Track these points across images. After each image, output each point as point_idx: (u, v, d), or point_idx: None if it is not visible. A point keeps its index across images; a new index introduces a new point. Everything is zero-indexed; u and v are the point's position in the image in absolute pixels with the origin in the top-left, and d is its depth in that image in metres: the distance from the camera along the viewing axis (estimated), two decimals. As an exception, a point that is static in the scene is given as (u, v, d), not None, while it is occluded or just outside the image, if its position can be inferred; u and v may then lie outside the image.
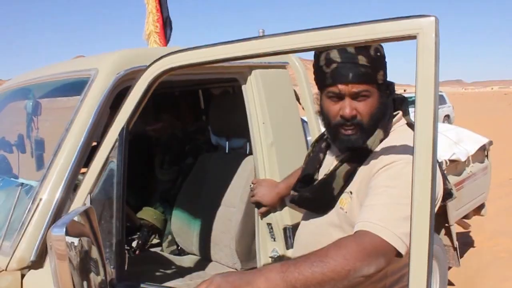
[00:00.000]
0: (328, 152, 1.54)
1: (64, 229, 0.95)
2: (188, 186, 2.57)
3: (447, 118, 18.53)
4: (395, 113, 1.44)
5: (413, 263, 0.88)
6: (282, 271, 1.04)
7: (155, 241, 2.75)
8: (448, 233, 3.54)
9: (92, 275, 1.07)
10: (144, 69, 1.20)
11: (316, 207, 1.45)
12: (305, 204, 1.50)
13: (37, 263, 1.36)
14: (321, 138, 1.60)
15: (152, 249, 2.66)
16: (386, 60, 1.37)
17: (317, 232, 1.43)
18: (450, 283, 4.10)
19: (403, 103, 1.47)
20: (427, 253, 0.87)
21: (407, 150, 1.24)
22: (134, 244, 2.60)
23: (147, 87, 1.19)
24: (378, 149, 1.35)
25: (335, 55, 1.31)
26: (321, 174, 1.49)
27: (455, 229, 3.62)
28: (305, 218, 1.53)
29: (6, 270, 1.35)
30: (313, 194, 1.43)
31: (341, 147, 1.43)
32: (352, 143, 1.34)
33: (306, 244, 1.45)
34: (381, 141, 1.36)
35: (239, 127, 2.22)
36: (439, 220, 3.47)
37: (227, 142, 2.55)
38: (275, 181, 1.94)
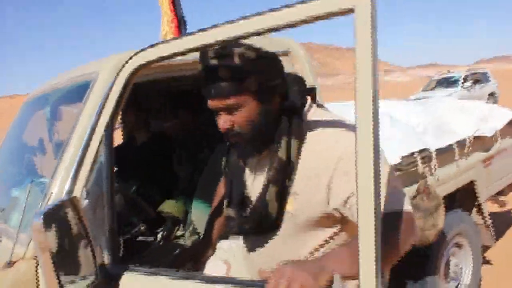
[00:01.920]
0: (248, 160, 1.48)
1: (42, 217, 1.04)
2: (205, 176, 2.66)
3: (492, 96, 17.78)
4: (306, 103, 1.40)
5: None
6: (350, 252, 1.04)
7: (181, 232, 2.86)
8: (479, 211, 3.46)
9: (78, 258, 1.16)
10: (120, 67, 1.28)
11: (262, 232, 1.41)
12: (248, 233, 1.47)
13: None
14: (228, 152, 1.57)
15: (176, 240, 2.77)
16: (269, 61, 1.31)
17: (278, 245, 1.39)
18: (489, 263, 4.01)
19: (312, 90, 1.45)
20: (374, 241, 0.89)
21: (347, 135, 1.26)
22: (159, 236, 2.72)
23: (124, 84, 1.27)
24: (307, 149, 1.32)
25: (202, 71, 1.28)
26: (250, 191, 1.44)
27: (487, 206, 3.53)
28: (254, 239, 1.47)
29: (23, 258, 1.49)
30: (252, 227, 1.39)
31: (244, 156, 1.44)
32: (240, 149, 1.38)
33: (269, 261, 1.39)
34: (299, 147, 1.32)
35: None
36: (468, 198, 3.41)
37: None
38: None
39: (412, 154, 2.67)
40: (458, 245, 3.27)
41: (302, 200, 1.30)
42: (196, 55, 1.26)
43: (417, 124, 3.00)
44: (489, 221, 3.51)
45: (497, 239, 4.35)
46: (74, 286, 1.15)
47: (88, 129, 1.41)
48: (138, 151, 3.12)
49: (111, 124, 1.31)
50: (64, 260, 1.12)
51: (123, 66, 1.27)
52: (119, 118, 3.11)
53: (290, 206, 1.33)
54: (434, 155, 2.82)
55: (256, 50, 1.27)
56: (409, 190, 2.65)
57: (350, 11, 0.91)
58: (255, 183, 1.41)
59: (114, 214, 1.30)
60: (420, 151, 2.71)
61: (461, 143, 3.12)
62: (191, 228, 2.65)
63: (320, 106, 1.45)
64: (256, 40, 1.82)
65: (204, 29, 1.13)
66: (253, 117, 1.28)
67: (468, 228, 3.28)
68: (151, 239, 2.64)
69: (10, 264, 1.46)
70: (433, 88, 18.40)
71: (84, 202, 1.36)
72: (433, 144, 2.88)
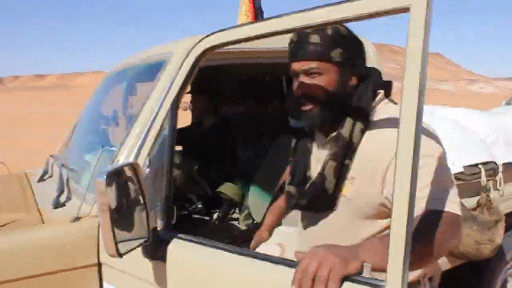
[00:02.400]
0: (315, 143, 1.55)
1: (105, 177, 1.16)
2: (265, 165, 2.74)
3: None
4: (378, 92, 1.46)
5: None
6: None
7: (236, 215, 2.97)
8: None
9: (133, 219, 1.28)
10: (190, 49, 1.38)
11: (317, 209, 1.47)
12: (305, 209, 1.53)
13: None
14: (302, 130, 1.62)
15: (231, 222, 2.88)
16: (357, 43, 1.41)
17: (328, 226, 1.46)
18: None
19: (388, 84, 1.49)
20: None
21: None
22: (215, 216, 2.84)
23: (193, 64, 1.38)
24: (369, 132, 1.38)
25: (293, 35, 1.38)
26: (313, 171, 1.50)
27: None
28: (309, 216, 1.54)
29: (88, 215, 1.65)
30: (309, 199, 1.44)
31: (309, 128, 1.50)
32: (309, 120, 1.41)
33: (319, 240, 1.39)
34: (363, 130, 1.37)
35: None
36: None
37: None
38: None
39: (476, 165, 2.58)
40: (518, 266, 3.12)
41: (358, 185, 1.36)
42: (268, 44, 1.34)
43: (487, 135, 2.88)
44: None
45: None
46: (127, 244, 1.26)
47: (157, 105, 1.54)
48: (204, 133, 3.26)
49: (176, 102, 1.41)
50: (121, 219, 1.23)
51: (192, 48, 1.36)
52: (189, 101, 3.27)
53: (346, 190, 1.38)
54: (500, 168, 2.71)
55: (348, 29, 1.40)
56: (469, 202, 2.58)
57: (406, 9, 0.93)
58: (318, 164, 1.49)
59: (171, 184, 1.40)
60: (485, 163, 2.62)
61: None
62: (246, 212, 2.75)
63: (393, 101, 1.50)
64: None
65: (270, 18, 1.19)
66: (331, 87, 1.37)
67: (531, 249, 3.12)
68: (207, 218, 2.77)
69: (77, 219, 1.62)
70: (515, 104, 17.24)
71: (146, 170, 1.48)
72: (501, 158, 2.77)
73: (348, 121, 1.38)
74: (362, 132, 1.38)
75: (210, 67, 2.06)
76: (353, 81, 1.41)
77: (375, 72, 1.52)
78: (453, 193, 1.26)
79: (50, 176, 2.41)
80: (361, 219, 1.39)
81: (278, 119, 3.03)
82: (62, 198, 1.86)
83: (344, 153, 1.37)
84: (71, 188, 1.95)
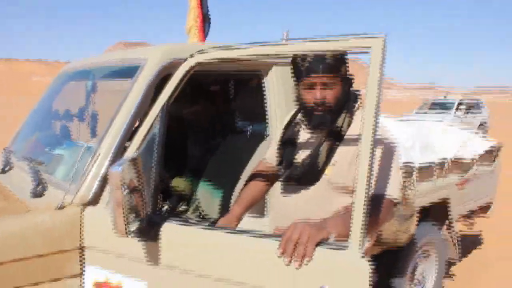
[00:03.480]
0: (301, 135, 1.93)
1: (121, 168, 1.38)
2: (214, 162, 3.00)
3: (482, 126, 18.25)
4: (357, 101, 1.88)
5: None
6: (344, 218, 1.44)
7: (183, 208, 3.19)
8: (449, 228, 3.84)
9: (134, 205, 1.49)
10: (183, 60, 1.62)
11: (305, 182, 1.82)
12: (295, 181, 1.86)
13: (94, 201, 1.82)
14: (289, 124, 1.99)
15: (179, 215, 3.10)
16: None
17: (306, 200, 1.82)
18: (451, 277, 4.40)
19: (357, 97, 1.91)
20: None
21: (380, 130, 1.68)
22: (163, 209, 3.04)
23: (184, 74, 1.62)
24: (352, 128, 1.78)
25: (308, 54, 1.73)
26: (301, 154, 1.87)
27: (456, 224, 3.91)
28: (290, 190, 1.88)
29: (71, 204, 1.82)
30: (302, 172, 1.80)
31: (315, 128, 1.84)
32: (323, 120, 1.77)
33: (295, 213, 1.80)
34: (349, 122, 1.79)
35: (260, 114, 2.62)
36: (440, 214, 3.79)
37: (250, 126, 2.98)
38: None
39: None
40: (426, 254, 3.65)
41: (338, 169, 1.75)
42: None
43: (406, 140, 3.35)
44: (456, 238, 3.88)
45: (462, 257, 4.78)
46: (129, 226, 1.47)
47: (134, 106, 1.75)
48: None
49: (167, 105, 1.64)
50: (127, 205, 1.45)
51: (190, 57, 1.60)
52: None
53: (328, 172, 1.76)
54: (415, 170, 3.18)
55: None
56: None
57: (368, 48, 1.27)
58: (307, 149, 1.85)
59: (158, 175, 1.63)
60: (403, 165, 3.07)
61: (441, 163, 3.50)
62: (194, 206, 2.98)
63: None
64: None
65: (260, 44, 1.48)
66: (338, 95, 1.75)
67: (436, 241, 3.66)
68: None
69: (61, 207, 1.79)
70: (427, 111, 18.83)
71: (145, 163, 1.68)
72: (417, 160, 3.24)
73: (342, 116, 1.78)
74: (348, 125, 1.78)
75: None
76: (347, 89, 1.82)
77: (352, 81, 1.91)
78: (393, 183, 1.64)
79: (11, 169, 2.49)
80: (334, 197, 1.76)
81: (226, 120, 3.32)
82: (38, 189, 2.00)
83: (336, 139, 1.77)
84: (45, 179, 2.08)
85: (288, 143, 1.93)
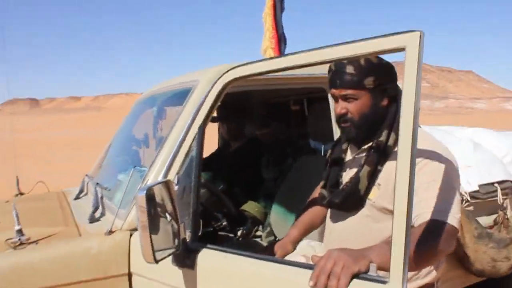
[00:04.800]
0: (348, 152, 1.76)
1: (145, 192, 1.32)
2: (287, 184, 2.87)
3: None
4: None
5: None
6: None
7: (259, 233, 3.09)
8: None
9: (167, 231, 1.43)
10: (215, 77, 1.55)
11: (347, 208, 1.66)
12: (336, 207, 1.70)
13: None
14: (338, 142, 1.84)
15: (254, 239, 3.01)
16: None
17: (351, 227, 1.64)
18: None
19: None
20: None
21: (432, 146, 1.51)
22: (239, 233, 2.97)
23: (218, 93, 1.54)
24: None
25: (332, 65, 1.60)
26: (345, 176, 1.70)
27: None
28: (336, 216, 1.73)
29: (120, 229, 1.81)
30: (342, 199, 1.63)
31: (346, 140, 1.70)
32: (347, 134, 1.63)
33: (341, 239, 1.65)
34: (395, 142, 1.55)
35: (332, 133, 2.46)
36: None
37: (323, 146, 2.82)
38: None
39: (492, 184, 2.65)
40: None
41: (383, 191, 1.56)
42: (291, 72, 1.52)
43: (504, 154, 2.95)
44: None
45: None
46: (161, 252, 1.41)
47: (185, 128, 1.70)
48: (231, 156, 3.42)
49: (204, 125, 1.57)
50: (156, 230, 1.39)
51: (219, 78, 1.53)
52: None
53: (372, 195, 1.58)
54: (517, 187, 2.77)
55: (379, 58, 1.60)
56: (486, 220, 2.64)
57: (402, 49, 1.08)
58: (351, 170, 1.70)
59: (198, 201, 1.55)
60: (501, 182, 2.68)
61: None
62: (268, 230, 2.87)
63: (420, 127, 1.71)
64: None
65: (287, 54, 1.36)
66: (364, 109, 1.60)
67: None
68: (231, 235, 2.90)
69: (110, 232, 1.79)
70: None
71: (175, 187, 1.63)
72: (519, 176, 2.82)
73: (384, 133, 1.59)
74: (394, 143, 1.57)
75: (236, 93, 2.24)
76: (385, 102, 1.63)
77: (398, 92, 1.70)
78: (456, 207, 1.39)
79: (86, 194, 2.59)
80: (382, 221, 1.56)
81: (300, 140, 3.19)
82: (97, 214, 2.03)
83: (378, 160, 1.58)
84: (105, 205, 2.11)
85: (334, 163, 1.77)
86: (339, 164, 1.77)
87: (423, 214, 1.38)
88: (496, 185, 2.66)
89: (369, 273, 1.16)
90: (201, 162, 1.58)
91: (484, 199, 2.61)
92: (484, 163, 2.75)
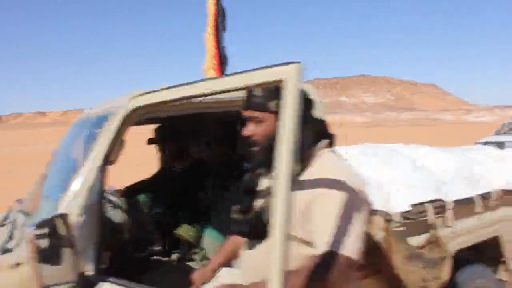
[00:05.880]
0: (264, 179, 1.75)
1: (34, 227, 1.27)
2: (220, 208, 2.84)
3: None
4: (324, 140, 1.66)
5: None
6: None
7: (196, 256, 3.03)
8: (506, 268, 3.35)
9: (63, 265, 1.38)
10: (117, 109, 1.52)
11: (256, 237, 1.65)
12: (246, 235, 1.70)
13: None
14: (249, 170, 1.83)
15: (189, 263, 2.95)
16: None
17: (263, 254, 1.58)
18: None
19: (331, 136, 1.70)
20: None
21: (339, 175, 1.49)
22: (173, 256, 2.92)
23: (121, 123, 1.51)
24: (308, 172, 1.56)
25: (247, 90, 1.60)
26: (257, 204, 1.70)
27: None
28: (250, 243, 1.71)
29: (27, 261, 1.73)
30: (250, 228, 1.64)
31: (255, 167, 1.69)
32: (255, 160, 1.63)
33: (254, 267, 1.63)
34: (303, 168, 1.55)
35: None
36: (493, 253, 3.32)
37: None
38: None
39: (422, 203, 2.68)
40: (478, 301, 3.17)
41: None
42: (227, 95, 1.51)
43: (445, 172, 3.00)
44: (516, 279, 3.37)
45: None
46: (56, 287, 1.36)
47: (89, 162, 1.66)
48: (175, 177, 3.37)
49: (106, 157, 1.54)
50: (51, 265, 1.34)
51: (122, 109, 1.50)
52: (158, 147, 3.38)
53: None
54: (450, 206, 2.81)
55: None
56: (418, 239, 2.67)
57: (279, 81, 1.07)
58: (261, 199, 1.69)
59: (101, 232, 1.51)
60: (432, 201, 2.72)
61: (486, 196, 3.08)
62: (202, 253, 2.83)
63: (335, 153, 1.70)
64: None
65: (186, 83, 1.35)
66: (270, 132, 1.59)
67: (488, 284, 3.17)
68: (165, 259, 2.85)
69: (17, 264, 1.71)
70: (506, 132, 17.51)
71: (81, 219, 1.58)
72: (452, 195, 2.87)
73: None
74: (301, 167, 1.57)
75: (176, 116, 2.20)
76: (306, 129, 1.59)
77: (321, 122, 1.73)
78: (354, 238, 1.38)
79: (11, 222, 2.49)
80: (292, 249, 1.50)
81: (235, 163, 3.16)
82: (11, 244, 1.95)
83: None
84: (24, 233, 2.03)
85: (248, 190, 1.76)
86: (253, 191, 1.75)
87: (318, 246, 1.38)
88: (427, 204, 2.70)
89: None
90: (102, 194, 1.54)
91: (415, 219, 2.64)
92: (419, 183, 2.79)
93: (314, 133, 1.65)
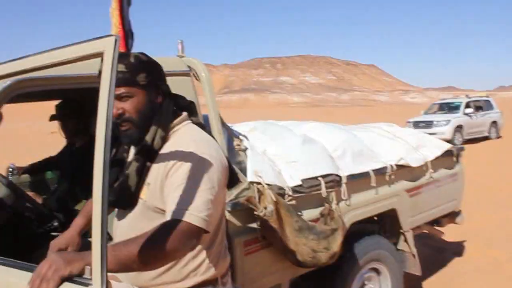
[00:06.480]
0: (131, 152, 1.73)
1: None
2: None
3: (494, 124, 17.88)
4: (182, 113, 1.68)
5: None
6: (114, 250, 1.30)
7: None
8: (405, 239, 3.54)
9: None
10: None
11: (123, 206, 1.65)
12: (112, 205, 1.68)
13: None
14: (117, 142, 1.78)
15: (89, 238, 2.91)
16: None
17: (129, 226, 1.63)
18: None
19: (191, 106, 1.72)
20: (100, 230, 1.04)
21: (192, 146, 1.52)
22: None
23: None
24: (167, 145, 1.58)
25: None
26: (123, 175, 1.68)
27: (412, 235, 3.60)
28: (119, 214, 1.72)
29: None
30: (115, 196, 1.61)
31: (128, 144, 1.66)
32: (128, 137, 1.59)
33: (125, 238, 1.59)
34: (163, 138, 1.59)
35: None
36: (391, 225, 3.50)
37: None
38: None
39: (316, 178, 2.77)
40: (376, 270, 3.34)
41: (152, 190, 1.55)
42: None
43: (336, 147, 3.09)
44: (414, 250, 3.56)
45: (433, 269, 4.45)
46: None
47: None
48: (74, 154, 3.30)
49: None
50: None
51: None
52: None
53: (143, 195, 1.58)
54: (344, 180, 2.92)
55: (147, 56, 1.62)
56: (312, 213, 2.76)
57: (100, 54, 1.07)
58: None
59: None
60: (325, 175, 2.81)
61: (380, 171, 3.22)
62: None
63: (197, 123, 1.72)
64: (166, 60, 2.06)
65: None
66: (141, 107, 1.56)
67: (387, 255, 3.34)
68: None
69: None
70: (435, 112, 18.55)
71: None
72: (346, 170, 2.98)
73: (152, 129, 1.59)
74: (163, 139, 1.59)
75: (74, 90, 2.13)
76: (159, 99, 1.63)
77: (179, 96, 1.75)
78: (202, 206, 1.42)
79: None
80: (154, 220, 1.54)
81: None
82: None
83: (146, 155, 1.58)
84: None
85: (116, 163, 1.72)
86: (121, 164, 1.72)
87: (173, 211, 1.40)
88: (320, 179, 2.79)
89: (84, 276, 1.20)
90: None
91: (307, 193, 2.72)
92: (310, 158, 2.87)
93: (172, 106, 1.66)
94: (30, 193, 2.93)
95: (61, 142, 3.51)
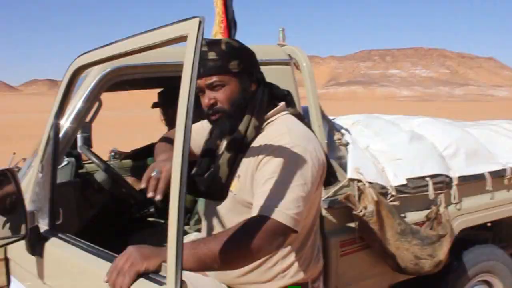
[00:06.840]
0: (220, 143, 1.67)
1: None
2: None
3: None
4: (279, 103, 1.58)
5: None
6: (193, 247, 1.24)
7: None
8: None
9: (12, 219, 1.42)
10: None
11: (212, 197, 1.60)
12: (202, 195, 1.66)
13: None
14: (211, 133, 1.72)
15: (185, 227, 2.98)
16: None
17: (221, 218, 1.59)
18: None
19: (288, 96, 1.62)
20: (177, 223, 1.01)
21: (286, 138, 1.43)
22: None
23: (68, 83, 1.52)
24: (260, 137, 1.51)
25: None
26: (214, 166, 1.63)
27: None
28: (209, 207, 1.68)
29: None
30: (205, 187, 1.57)
31: (220, 134, 1.59)
32: (220, 127, 1.53)
33: (214, 231, 1.61)
34: (257, 128, 1.51)
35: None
36: (508, 234, 3.16)
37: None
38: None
39: (423, 178, 2.56)
40: (487, 283, 3.03)
41: (242, 183, 1.50)
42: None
43: (447, 145, 2.83)
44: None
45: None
46: (7, 240, 1.41)
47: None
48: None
49: (58, 115, 1.56)
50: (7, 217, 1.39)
51: (67, 69, 1.50)
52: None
53: (233, 187, 1.52)
54: (455, 182, 2.67)
55: (239, 42, 1.57)
56: (416, 215, 2.56)
57: (184, 38, 1.03)
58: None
59: (55, 189, 1.54)
60: (433, 176, 2.58)
61: (498, 173, 2.90)
62: (196, 218, 2.83)
63: (295, 114, 1.63)
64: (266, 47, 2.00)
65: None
66: (234, 96, 1.50)
67: (501, 267, 3.01)
68: (162, 221, 2.89)
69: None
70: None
71: (39, 175, 1.62)
72: (457, 170, 2.72)
73: (246, 118, 1.52)
74: (256, 130, 1.52)
75: (174, 78, 2.18)
76: (252, 87, 1.56)
77: (273, 85, 1.66)
78: (291, 204, 1.32)
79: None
80: (239, 213, 1.50)
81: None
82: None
83: (238, 147, 1.51)
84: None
85: (207, 153, 1.69)
86: (212, 154, 1.68)
87: (260, 207, 1.33)
88: (427, 179, 2.57)
89: (160, 273, 1.16)
90: (56, 152, 1.56)
91: (413, 194, 2.53)
92: (417, 156, 2.65)
93: (267, 95, 1.58)
94: (131, 178, 3.03)
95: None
